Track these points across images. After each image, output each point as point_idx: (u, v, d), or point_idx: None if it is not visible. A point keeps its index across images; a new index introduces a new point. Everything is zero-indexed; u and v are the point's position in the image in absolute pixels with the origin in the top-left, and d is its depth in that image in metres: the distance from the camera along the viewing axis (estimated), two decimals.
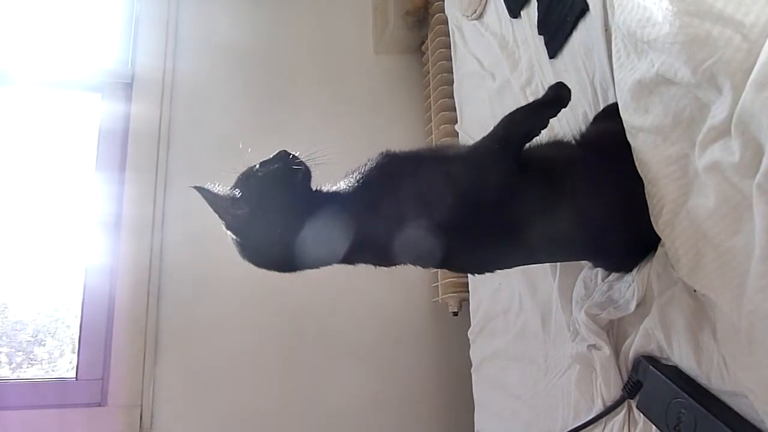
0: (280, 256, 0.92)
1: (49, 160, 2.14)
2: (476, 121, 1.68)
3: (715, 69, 0.67)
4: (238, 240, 0.92)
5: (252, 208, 0.89)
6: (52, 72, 2.13)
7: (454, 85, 1.86)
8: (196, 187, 0.90)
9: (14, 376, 1.95)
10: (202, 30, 2.26)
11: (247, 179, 0.92)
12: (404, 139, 2.27)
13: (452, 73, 1.88)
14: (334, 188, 0.93)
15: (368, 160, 0.94)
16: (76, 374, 1.90)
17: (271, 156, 0.94)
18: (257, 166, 0.93)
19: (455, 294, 1.94)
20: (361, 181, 0.91)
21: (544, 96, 0.92)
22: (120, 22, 2.22)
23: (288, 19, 2.37)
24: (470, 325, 1.67)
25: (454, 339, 1.94)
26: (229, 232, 0.92)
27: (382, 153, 0.94)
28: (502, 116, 0.94)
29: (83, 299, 1.96)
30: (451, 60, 1.89)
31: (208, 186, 0.91)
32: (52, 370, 1.98)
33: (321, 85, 2.31)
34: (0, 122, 2.11)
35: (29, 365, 1.99)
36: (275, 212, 0.90)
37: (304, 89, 2.29)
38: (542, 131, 0.91)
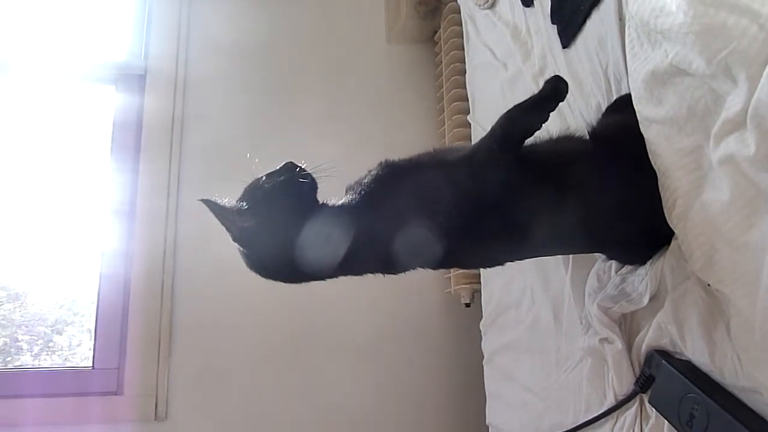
0: (286, 268, 0.93)
1: (64, 151, 2.15)
2: (489, 111, 1.66)
3: (730, 60, 0.65)
4: (245, 252, 0.92)
5: (258, 221, 0.89)
6: (66, 64, 2.14)
7: (467, 75, 1.84)
8: (202, 200, 0.91)
9: (35, 364, 1.99)
10: (215, 21, 2.26)
11: (253, 191, 0.92)
12: (417, 129, 2.26)
13: (465, 63, 1.86)
14: (339, 201, 0.93)
15: (368, 171, 0.94)
16: (93, 363, 1.92)
17: (278, 167, 0.94)
18: (263, 177, 0.93)
19: (468, 285, 1.94)
20: (363, 192, 0.91)
21: (541, 91, 0.91)
22: (133, 13, 2.22)
23: (300, 10, 2.35)
24: (482, 317, 1.66)
25: (466, 330, 1.93)
26: (236, 244, 0.92)
27: (381, 163, 0.93)
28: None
29: (99, 289, 1.98)
30: (463, 50, 1.87)
31: (215, 198, 0.91)
32: (72, 357, 2.02)
33: (333, 75, 2.30)
34: (15, 113, 2.12)
35: (48, 353, 2.02)
36: (281, 224, 0.90)
37: (316, 79, 2.28)
38: (544, 125, 0.90)
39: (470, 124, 1.82)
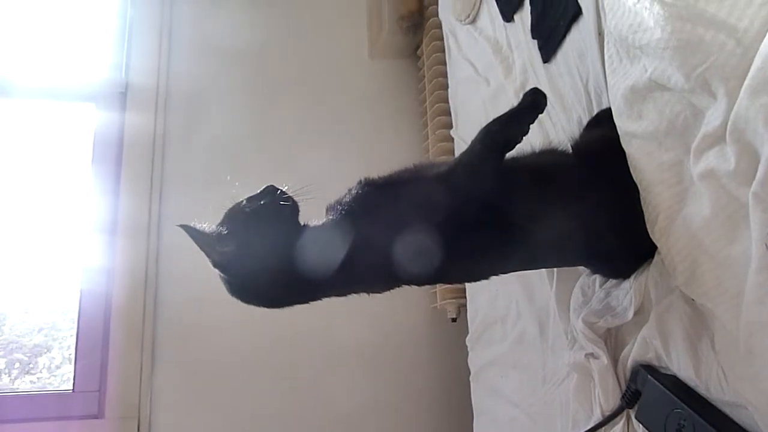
0: (268, 293, 0.92)
1: (44, 170, 2.12)
2: (472, 125, 1.66)
3: (708, 74, 0.65)
4: (225, 277, 0.90)
5: (239, 245, 0.88)
6: (44, 82, 2.12)
7: (449, 90, 1.84)
8: (181, 226, 0.89)
9: (13, 387, 1.94)
10: (196, 37, 2.25)
11: (233, 216, 0.91)
12: (400, 144, 2.26)
13: (447, 78, 1.86)
14: (321, 223, 0.92)
15: (348, 191, 0.93)
16: (73, 386, 1.88)
17: (259, 191, 0.93)
18: (244, 201, 0.92)
19: (454, 300, 1.93)
20: (343, 212, 0.90)
21: (519, 103, 0.90)
22: (113, 30, 2.21)
23: (283, 25, 2.35)
24: (468, 332, 1.65)
25: (452, 345, 1.92)
26: (216, 270, 0.90)
27: (361, 182, 0.93)
28: None
29: (79, 310, 1.94)
30: (446, 65, 1.88)
31: (194, 223, 0.89)
32: (53, 378, 1.97)
33: (316, 90, 2.30)
34: None
35: (28, 374, 1.98)
36: (262, 249, 0.89)
37: (298, 95, 2.28)
38: (525, 139, 0.90)
39: (453, 139, 1.82)
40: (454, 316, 1.96)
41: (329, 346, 2.05)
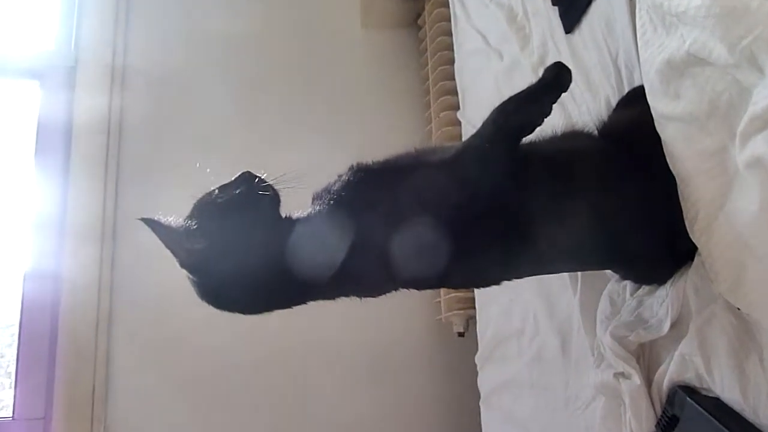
0: (244, 297, 0.91)
1: None
2: (482, 107, 1.67)
3: (755, 47, 0.66)
4: (195, 279, 0.90)
5: (211, 242, 0.88)
6: None
7: (456, 65, 1.85)
8: (143, 219, 0.89)
9: None
10: (160, 5, 2.25)
11: (204, 208, 0.91)
12: (399, 129, 2.26)
13: (453, 51, 1.87)
14: (306, 214, 0.93)
15: (338, 177, 0.93)
16: (13, 413, 1.88)
17: (233, 179, 0.93)
18: (216, 191, 0.92)
19: (461, 311, 1.93)
20: (334, 203, 0.91)
21: (540, 80, 0.91)
22: None
23: None
24: (478, 349, 1.66)
25: (460, 364, 1.93)
26: (184, 271, 0.90)
27: (353, 167, 0.93)
28: None
29: (20, 323, 1.94)
30: (451, 35, 1.89)
31: (158, 217, 0.90)
32: None
33: (302, 67, 2.30)
34: None
35: None
36: (237, 245, 0.89)
37: (281, 72, 2.28)
38: (544, 120, 0.90)
39: (461, 122, 1.83)
40: (462, 330, 1.97)
41: (321, 365, 2.06)
